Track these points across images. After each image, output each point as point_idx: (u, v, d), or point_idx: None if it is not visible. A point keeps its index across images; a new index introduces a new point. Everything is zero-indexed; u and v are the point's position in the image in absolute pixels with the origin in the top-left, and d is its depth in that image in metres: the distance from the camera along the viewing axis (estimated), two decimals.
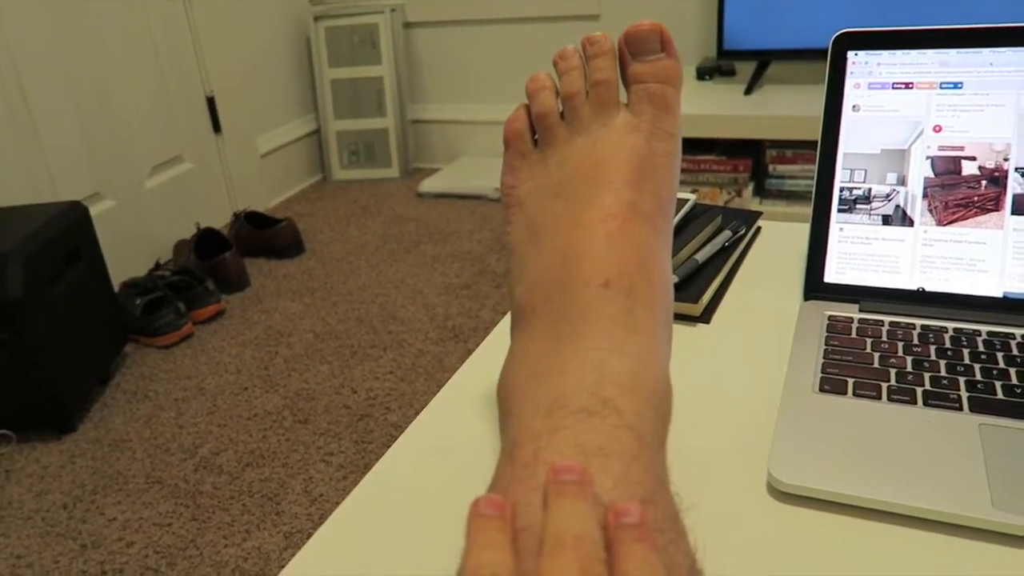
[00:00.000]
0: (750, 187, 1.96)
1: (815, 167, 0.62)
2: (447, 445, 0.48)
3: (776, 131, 1.82)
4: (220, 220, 2.40)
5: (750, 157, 1.95)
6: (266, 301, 1.95)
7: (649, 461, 0.32)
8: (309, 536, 1.18)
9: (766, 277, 0.67)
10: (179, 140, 2.28)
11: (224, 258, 1.99)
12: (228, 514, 1.21)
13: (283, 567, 1.05)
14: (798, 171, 1.90)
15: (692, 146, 1.99)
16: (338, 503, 1.22)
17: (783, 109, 1.82)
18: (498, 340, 0.61)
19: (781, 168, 1.92)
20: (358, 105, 2.82)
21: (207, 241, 2.11)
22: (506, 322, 0.62)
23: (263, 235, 2.19)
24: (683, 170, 2.00)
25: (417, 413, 0.50)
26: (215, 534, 1.16)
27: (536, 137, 0.44)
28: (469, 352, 1.60)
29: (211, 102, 2.39)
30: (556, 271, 0.38)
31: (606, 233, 0.38)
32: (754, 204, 1.97)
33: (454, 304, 1.83)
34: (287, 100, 2.78)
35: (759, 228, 0.76)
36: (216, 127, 2.42)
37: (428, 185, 2.64)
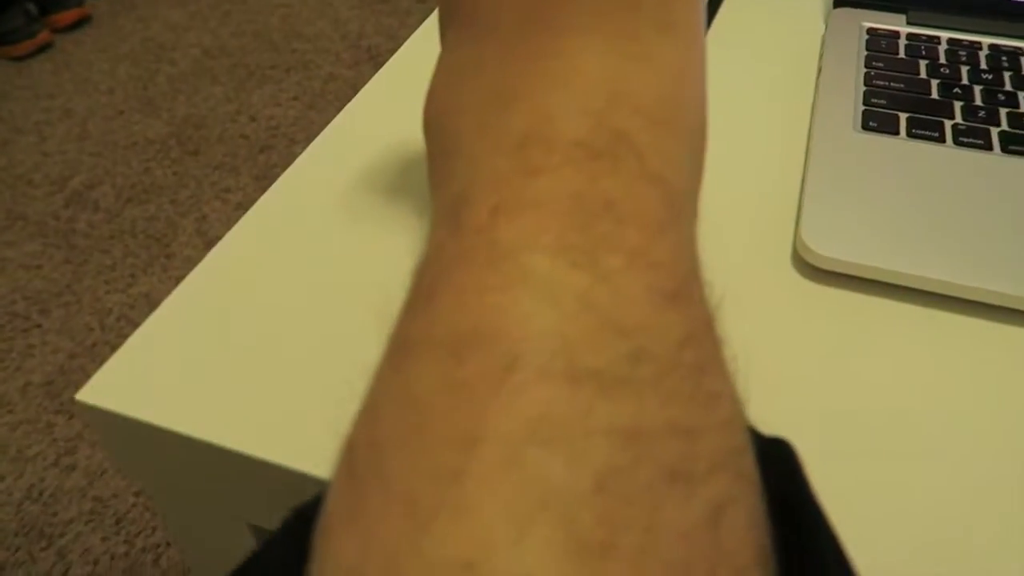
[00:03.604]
0: None
1: None
2: (355, 175, 0.37)
3: None
4: None
5: None
6: (141, 7, 1.63)
7: (681, 234, 0.19)
8: None
9: None
10: None
11: None
12: (109, 256, 1.06)
13: None
14: None
15: None
16: None
17: None
18: (419, 50, 0.44)
19: None
20: None
21: None
22: (431, 24, 0.46)
23: None
24: None
25: None
26: (94, 279, 1.02)
27: None
28: None
29: None
30: None
31: None
32: None
33: (370, 20, 1.57)
34: None
35: None
36: None
37: None
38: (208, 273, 0.32)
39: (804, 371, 0.27)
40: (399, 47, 1.47)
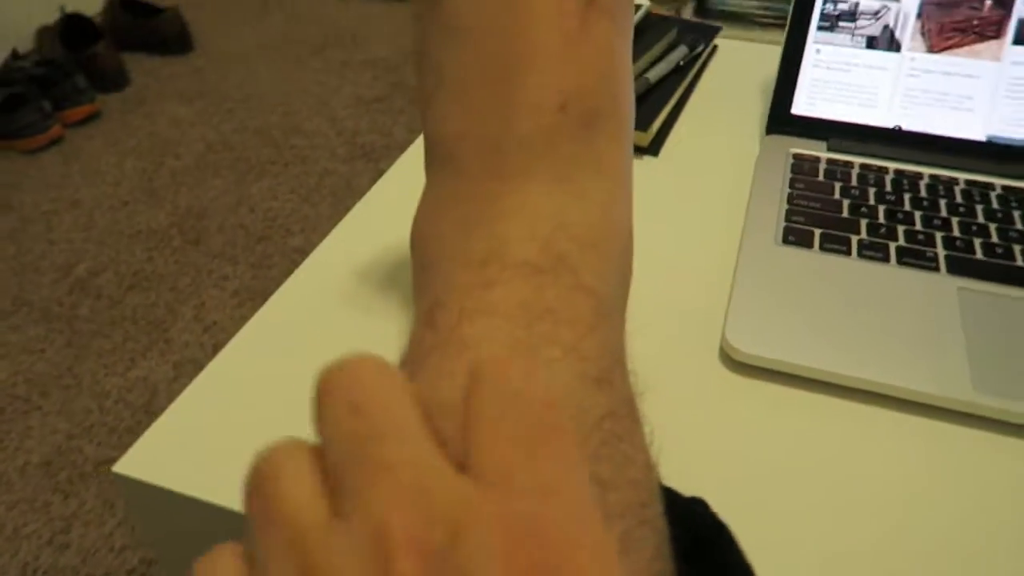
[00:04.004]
0: (691, 5, 1.81)
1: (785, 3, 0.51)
2: (355, 274, 0.42)
3: None
4: (92, 5, 2.07)
5: None
6: (149, 104, 1.73)
7: (607, 333, 0.25)
8: (201, 367, 1.10)
9: (722, 105, 0.58)
10: None
11: (96, 50, 1.72)
12: (109, 341, 1.10)
13: (172, 400, 0.96)
14: None
15: None
16: (233, 332, 1.13)
17: None
18: (415, 160, 0.51)
19: None
20: None
21: (75, 29, 1.82)
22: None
23: (144, 25, 1.90)
24: None
25: (322, 238, 0.44)
26: (95, 362, 1.07)
27: None
28: (381, 173, 1.47)
29: None
30: (493, 85, 0.28)
31: (563, 34, 0.28)
32: None
33: (365, 118, 1.67)
34: None
35: (715, 47, 0.66)
36: None
37: None
38: (228, 360, 0.38)
39: (726, 448, 0.33)
40: (391, 143, 1.57)
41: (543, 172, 0.28)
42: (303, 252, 1.24)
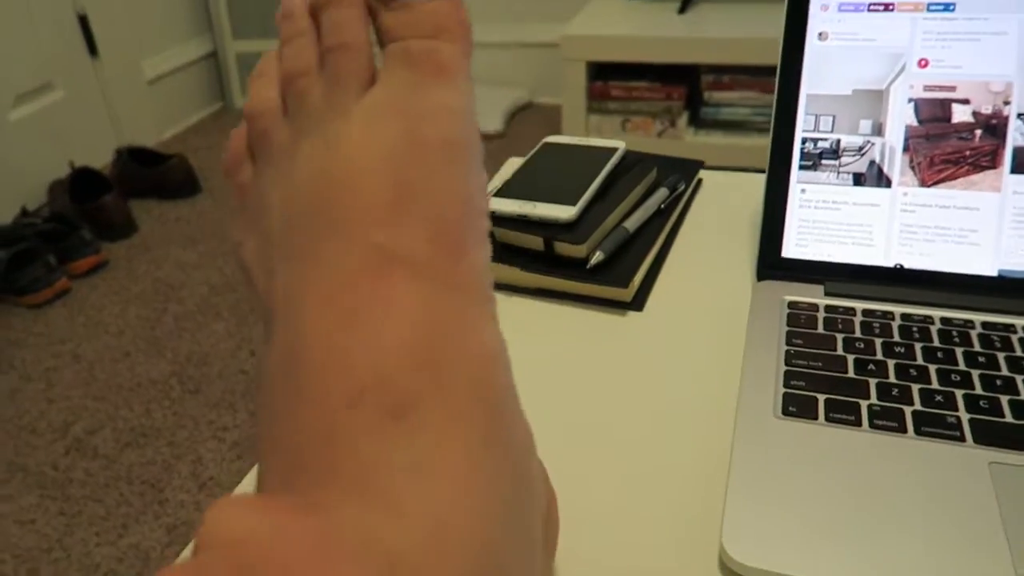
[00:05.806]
0: (684, 116, 1.84)
1: (772, 109, 0.49)
2: None
3: (713, 55, 1.69)
4: (103, 157, 2.14)
5: (684, 84, 1.81)
6: (155, 249, 1.74)
7: None
8: (195, 529, 1.05)
9: (711, 245, 0.55)
10: (48, 64, 2.00)
11: (104, 201, 1.76)
12: (102, 506, 1.06)
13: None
14: (736, 99, 1.78)
15: (621, 72, 1.84)
16: (229, 488, 1.08)
17: (720, 30, 1.69)
18: None
19: (718, 95, 1.80)
20: (262, 22, 2.54)
21: (84, 182, 1.87)
22: None
23: (151, 173, 1.96)
24: (613, 99, 1.86)
25: None
26: (86, 531, 1.02)
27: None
28: None
29: (84, 20, 2.09)
30: (286, 382, 0.23)
31: (344, 312, 0.23)
32: (688, 134, 1.84)
33: None
34: (177, 18, 2.48)
35: (700, 181, 0.64)
36: (92, 49, 2.13)
37: None
38: None
39: None
40: None
41: (345, 486, 0.21)
42: None
